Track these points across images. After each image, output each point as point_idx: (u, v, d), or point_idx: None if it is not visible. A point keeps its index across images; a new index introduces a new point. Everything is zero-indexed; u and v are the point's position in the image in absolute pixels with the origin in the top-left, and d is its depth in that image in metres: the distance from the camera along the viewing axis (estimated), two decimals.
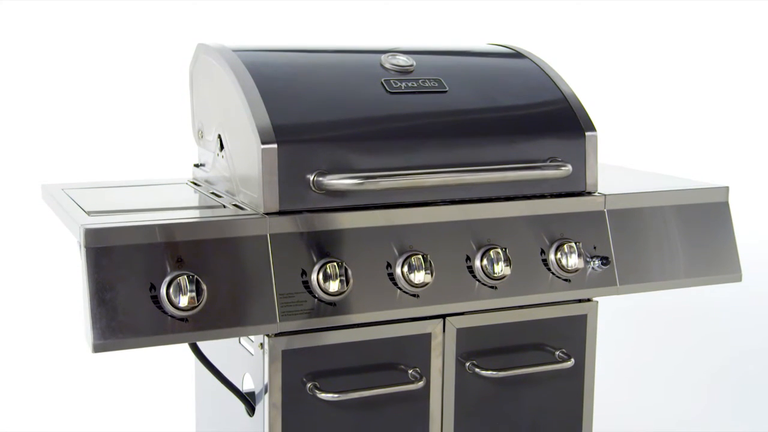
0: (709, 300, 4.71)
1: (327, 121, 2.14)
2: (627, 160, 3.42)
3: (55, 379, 4.05)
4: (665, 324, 4.71)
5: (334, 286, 2.00)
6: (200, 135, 2.48)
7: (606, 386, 3.70)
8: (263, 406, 2.10)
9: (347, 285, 2.02)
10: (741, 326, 4.72)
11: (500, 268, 2.16)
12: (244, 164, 2.14)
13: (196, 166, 2.56)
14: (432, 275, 2.10)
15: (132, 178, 2.82)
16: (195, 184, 2.52)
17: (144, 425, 3.72)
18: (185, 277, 1.88)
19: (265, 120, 2.07)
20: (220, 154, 2.31)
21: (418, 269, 2.08)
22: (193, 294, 1.88)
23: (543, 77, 2.45)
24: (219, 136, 2.31)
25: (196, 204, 2.27)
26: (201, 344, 2.21)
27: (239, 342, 2.23)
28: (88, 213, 2.05)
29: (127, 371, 4.10)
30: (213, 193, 2.34)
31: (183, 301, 1.87)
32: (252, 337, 2.14)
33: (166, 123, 4.41)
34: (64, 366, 4.12)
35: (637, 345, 4.52)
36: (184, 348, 2.66)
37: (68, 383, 4.03)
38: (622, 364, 4.29)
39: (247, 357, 2.18)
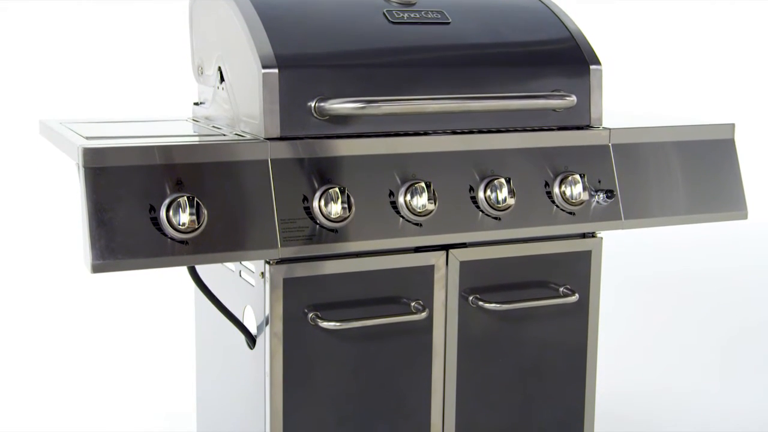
0: (717, 248, 4.75)
1: (328, 48, 2.11)
2: (637, 108, 3.41)
3: (54, 309, 4.13)
4: (676, 275, 4.74)
5: (335, 209, 1.97)
6: (200, 71, 2.45)
7: (612, 325, 3.72)
8: (264, 338, 2.08)
9: (349, 211, 2.00)
10: (746, 267, 4.76)
11: (503, 197, 2.13)
12: (245, 92, 2.11)
13: (196, 104, 2.53)
14: (435, 203, 2.07)
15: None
16: (195, 121, 2.49)
17: (143, 361, 3.74)
18: (185, 198, 1.85)
19: (267, 46, 2.04)
20: (221, 86, 2.28)
21: (421, 195, 2.05)
22: (194, 216, 1.85)
23: (548, 13, 2.42)
24: (219, 69, 2.28)
25: (196, 133, 2.25)
26: (201, 275, 2.18)
27: (240, 275, 2.20)
28: (87, 138, 2.02)
29: (127, 306, 4.14)
30: (214, 127, 2.32)
31: (183, 218, 1.84)
32: (253, 268, 2.11)
33: (165, 65, 4.42)
34: (63, 297, 4.18)
35: (647, 290, 4.55)
36: (185, 282, 2.64)
37: (67, 314, 4.09)
38: (630, 304, 4.32)
39: (247, 289, 2.15)
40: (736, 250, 5.01)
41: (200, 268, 2.20)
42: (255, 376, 2.13)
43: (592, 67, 2.31)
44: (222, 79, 2.27)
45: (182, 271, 2.31)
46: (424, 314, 2.14)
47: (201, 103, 2.49)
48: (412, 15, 2.25)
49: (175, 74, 3.92)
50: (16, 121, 4.44)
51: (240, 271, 2.20)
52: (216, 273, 2.33)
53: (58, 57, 4.64)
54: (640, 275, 4.70)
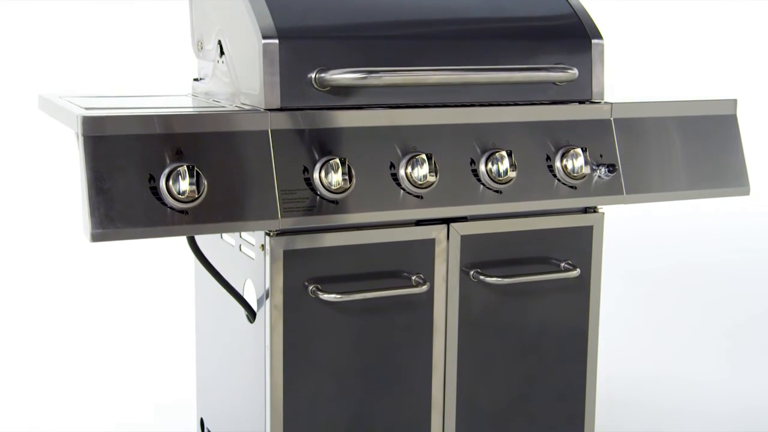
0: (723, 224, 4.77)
1: (329, 20, 2.10)
2: (639, 83, 3.40)
3: (53, 282, 4.15)
4: (682, 263, 4.75)
5: (336, 179, 1.96)
6: (200, 46, 2.44)
7: (616, 313, 3.71)
8: (264, 311, 2.07)
9: (350, 182, 1.99)
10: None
11: (505, 170, 2.12)
12: (245, 64, 2.10)
13: (196, 80, 2.52)
14: (436, 175, 2.06)
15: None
16: (194, 97, 2.48)
17: (142, 336, 3.74)
18: (185, 167, 1.84)
19: (267, 17, 2.03)
20: (220, 60, 2.27)
21: (422, 166, 2.04)
22: (194, 185, 1.84)
23: None
24: (219, 42, 2.26)
25: (196, 105, 2.23)
26: (201, 249, 2.17)
27: (240, 249, 2.19)
28: (86, 109, 2.01)
29: (127, 281, 4.14)
30: (213, 101, 2.30)
31: (183, 187, 1.83)
32: (253, 241, 2.10)
33: (164, 46, 4.43)
34: (61, 271, 4.19)
35: (653, 278, 4.55)
36: (185, 259, 2.63)
37: (66, 288, 4.10)
38: (635, 292, 4.32)
39: (248, 262, 2.14)
40: (743, 237, 5.01)
41: (200, 244, 2.19)
42: (255, 350, 2.12)
43: (593, 41, 2.30)
44: (222, 53, 2.26)
45: (183, 247, 2.30)
46: (424, 288, 2.13)
47: (201, 78, 2.48)
48: None
49: (173, 56, 3.92)
50: (15, 97, 4.45)
51: (240, 245, 2.19)
52: (216, 248, 2.32)
53: (57, 36, 4.64)
54: (646, 263, 4.70)
